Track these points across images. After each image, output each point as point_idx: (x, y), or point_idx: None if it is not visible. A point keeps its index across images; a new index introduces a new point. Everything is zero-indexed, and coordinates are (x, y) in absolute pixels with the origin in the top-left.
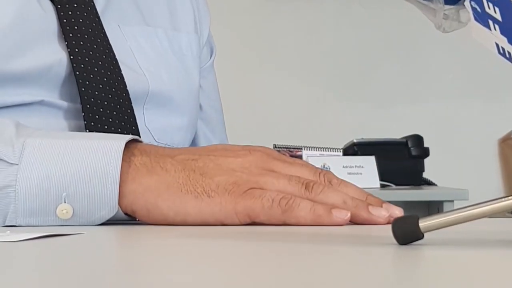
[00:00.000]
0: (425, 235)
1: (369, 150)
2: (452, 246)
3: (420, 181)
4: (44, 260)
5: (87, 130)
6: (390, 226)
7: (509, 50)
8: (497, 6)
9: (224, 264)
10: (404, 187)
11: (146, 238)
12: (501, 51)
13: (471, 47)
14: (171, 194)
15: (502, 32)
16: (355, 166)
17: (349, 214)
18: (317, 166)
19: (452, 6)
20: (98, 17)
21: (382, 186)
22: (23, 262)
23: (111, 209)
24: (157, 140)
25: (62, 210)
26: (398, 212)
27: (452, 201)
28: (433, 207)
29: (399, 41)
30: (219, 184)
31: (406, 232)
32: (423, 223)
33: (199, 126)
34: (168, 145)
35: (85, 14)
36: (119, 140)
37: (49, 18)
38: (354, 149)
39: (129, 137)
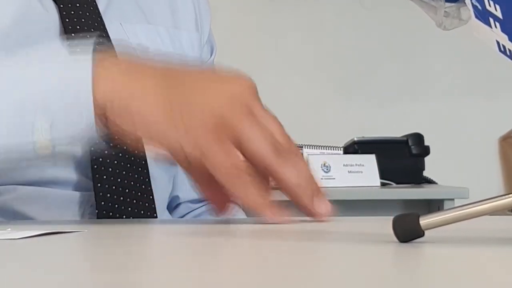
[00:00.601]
0: (426, 232)
1: (370, 149)
2: (452, 243)
3: (421, 180)
4: (44, 258)
5: None
6: (391, 223)
7: (510, 48)
8: (498, 4)
9: (223, 262)
10: (405, 185)
11: (147, 236)
12: (502, 49)
13: (471, 45)
14: (146, 103)
15: (503, 30)
16: (356, 165)
17: (285, 219)
18: (317, 164)
19: (452, 4)
20: (100, 16)
21: (383, 184)
22: (24, 259)
23: (87, 117)
24: None
25: (40, 130)
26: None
27: (453, 199)
28: (434, 206)
29: (399, 39)
30: (199, 109)
31: (407, 230)
32: (424, 221)
33: None
34: None
35: (88, 13)
36: (86, 48)
37: (51, 17)
38: (354, 148)
39: (91, 43)
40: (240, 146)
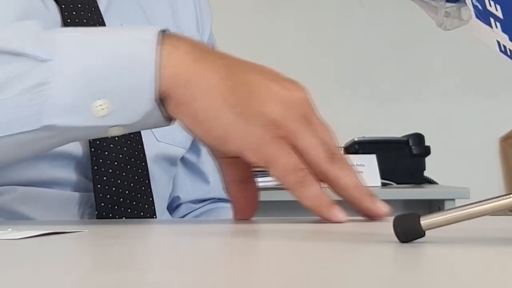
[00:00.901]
0: (427, 233)
1: (370, 149)
2: (453, 244)
3: (421, 180)
4: (45, 258)
5: None
6: (391, 223)
7: (511, 48)
8: (499, 4)
9: (224, 263)
10: (405, 185)
11: (147, 236)
12: (503, 49)
13: (472, 45)
14: (213, 94)
15: (504, 30)
16: (356, 165)
17: (347, 219)
18: None
19: (453, 4)
20: (101, 16)
21: (383, 184)
22: (24, 259)
23: (149, 101)
24: (158, 139)
25: (99, 106)
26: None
27: (453, 199)
28: (434, 206)
29: (400, 39)
30: (261, 114)
31: (408, 230)
32: (425, 221)
33: None
34: (169, 144)
35: (89, 14)
36: (152, 29)
37: (53, 17)
38: (355, 148)
39: (164, 27)
40: (297, 152)
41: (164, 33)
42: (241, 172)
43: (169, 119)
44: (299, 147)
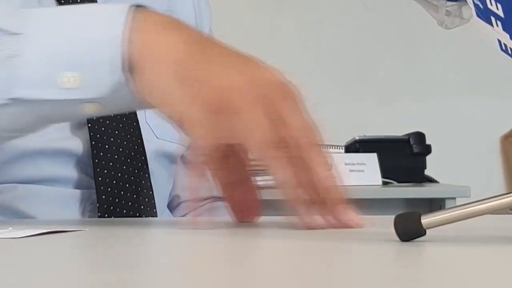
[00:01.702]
0: (427, 231)
1: (371, 147)
2: (454, 242)
3: (422, 178)
4: (46, 257)
5: (88, 123)
6: (392, 222)
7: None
8: (499, 3)
9: (225, 261)
10: (406, 184)
11: (148, 235)
12: (503, 47)
13: (473, 44)
14: (165, 62)
15: (504, 29)
16: (357, 163)
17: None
18: None
19: (454, 3)
20: None
21: (384, 183)
22: (25, 258)
23: (116, 72)
24: (158, 137)
25: (65, 78)
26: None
27: (454, 198)
28: (435, 205)
29: (400, 38)
30: (206, 82)
31: (408, 229)
32: (425, 220)
33: None
34: (169, 141)
35: None
36: (124, 5)
37: None
38: (356, 146)
39: (134, 3)
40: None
41: (136, 8)
42: (233, 174)
43: (141, 101)
44: (236, 125)
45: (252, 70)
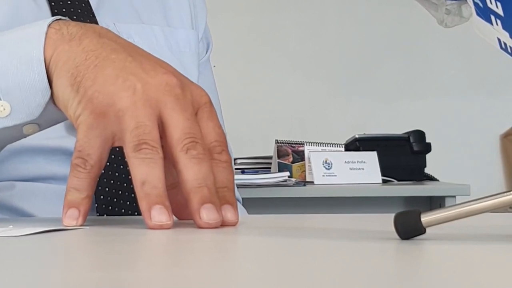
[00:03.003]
0: (427, 229)
1: (371, 146)
2: (453, 240)
3: (422, 177)
4: (46, 255)
5: None
6: (392, 220)
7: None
8: (499, 1)
9: (224, 260)
10: (406, 182)
11: (148, 234)
12: (503, 46)
13: (473, 43)
14: (66, 68)
15: (504, 27)
16: (357, 162)
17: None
18: (319, 161)
19: (454, 1)
20: (93, 14)
21: (384, 181)
22: (25, 257)
23: (43, 92)
24: None
25: (0, 107)
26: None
27: (454, 196)
28: (435, 203)
29: (400, 37)
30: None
31: (408, 227)
32: (425, 218)
33: None
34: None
35: (79, 10)
36: (41, 25)
37: (44, 15)
38: (356, 145)
39: (53, 18)
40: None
41: (50, 25)
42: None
43: None
44: (118, 128)
45: (146, 74)
